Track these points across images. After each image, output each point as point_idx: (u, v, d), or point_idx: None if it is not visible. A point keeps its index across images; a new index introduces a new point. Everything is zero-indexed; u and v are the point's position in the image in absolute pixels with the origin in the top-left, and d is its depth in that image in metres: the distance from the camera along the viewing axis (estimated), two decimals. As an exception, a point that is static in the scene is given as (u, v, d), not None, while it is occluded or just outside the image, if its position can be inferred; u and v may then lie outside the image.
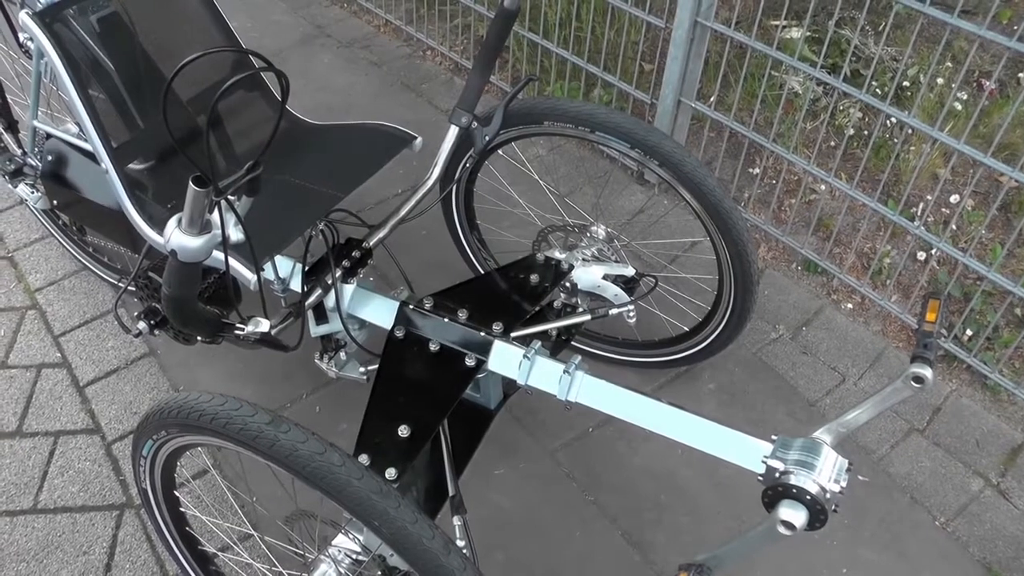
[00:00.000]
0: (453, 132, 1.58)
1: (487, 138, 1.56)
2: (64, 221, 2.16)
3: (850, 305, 2.18)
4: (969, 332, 2.04)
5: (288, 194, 1.57)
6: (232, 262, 1.36)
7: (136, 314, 1.50)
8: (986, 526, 1.71)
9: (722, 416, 1.86)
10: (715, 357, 1.85)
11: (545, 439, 1.84)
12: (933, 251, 2.15)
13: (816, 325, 2.13)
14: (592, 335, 1.93)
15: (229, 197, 0.91)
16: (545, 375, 1.32)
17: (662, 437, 1.22)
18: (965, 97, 2.47)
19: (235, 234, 0.97)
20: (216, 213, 0.94)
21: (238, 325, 1.22)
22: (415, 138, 1.63)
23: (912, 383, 1.07)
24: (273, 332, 1.30)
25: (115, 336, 2.07)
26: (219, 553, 1.53)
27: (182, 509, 1.43)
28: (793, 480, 1.12)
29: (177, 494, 1.39)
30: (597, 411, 1.29)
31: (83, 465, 1.81)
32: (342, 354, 1.55)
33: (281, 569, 1.38)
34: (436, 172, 1.59)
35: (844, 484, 1.13)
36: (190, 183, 0.88)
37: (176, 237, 0.94)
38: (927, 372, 1.06)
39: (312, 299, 1.42)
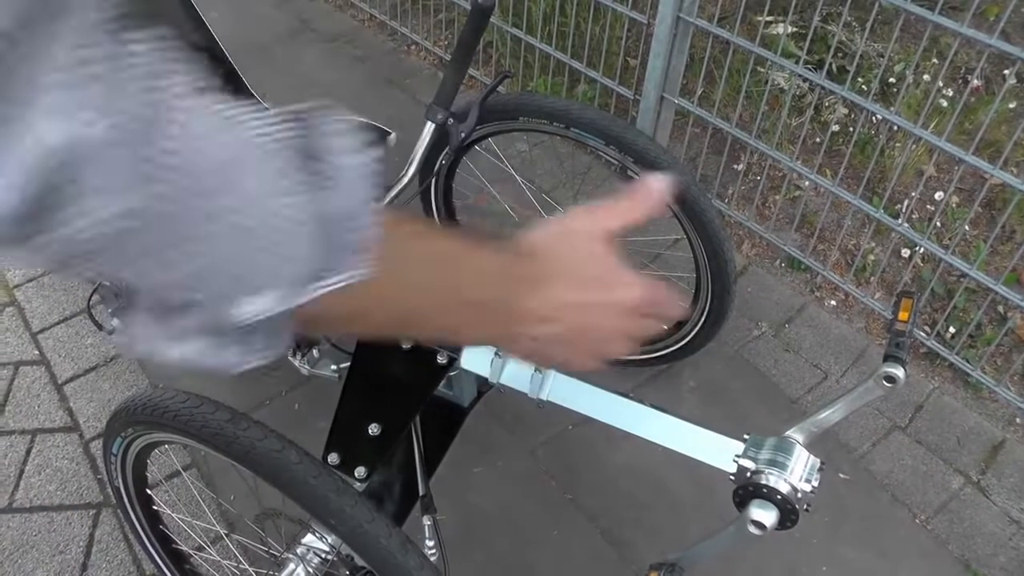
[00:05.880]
0: (429, 129, 1.57)
1: (463, 134, 1.55)
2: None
3: (833, 302, 2.17)
4: (952, 330, 2.03)
5: None
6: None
7: (110, 311, 1.49)
8: (965, 523, 1.71)
9: (702, 414, 1.86)
10: (696, 355, 1.84)
11: (524, 437, 1.83)
12: (917, 248, 2.14)
13: (799, 322, 2.12)
14: (573, 332, 1.92)
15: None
16: (517, 373, 1.30)
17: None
18: (951, 94, 2.46)
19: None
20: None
21: None
22: (389, 133, 1.61)
23: (884, 382, 1.06)
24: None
25: (94, 333, 2.05)
26: (193, 553, 1.52)
27: (155, 507, 1.42)
28: (764, 479, 1.10)
29: (150, 492, 1.38)
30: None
31: (60, 463, 1.80)
32: (315, 351, 1.53)
33: (251, 568, 1.37)
34: (411, 169, 1.58)
35: (816, 483, 1.12)
36: None
37: None
38: (899, 372, 1.05)
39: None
